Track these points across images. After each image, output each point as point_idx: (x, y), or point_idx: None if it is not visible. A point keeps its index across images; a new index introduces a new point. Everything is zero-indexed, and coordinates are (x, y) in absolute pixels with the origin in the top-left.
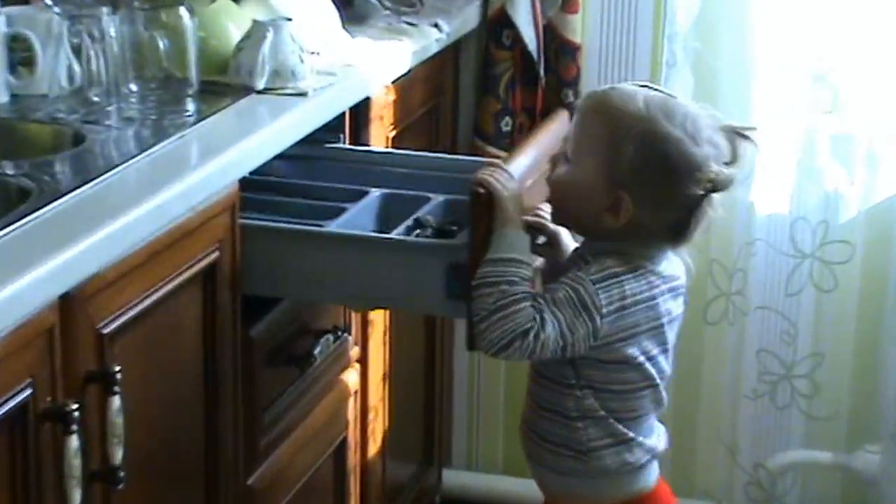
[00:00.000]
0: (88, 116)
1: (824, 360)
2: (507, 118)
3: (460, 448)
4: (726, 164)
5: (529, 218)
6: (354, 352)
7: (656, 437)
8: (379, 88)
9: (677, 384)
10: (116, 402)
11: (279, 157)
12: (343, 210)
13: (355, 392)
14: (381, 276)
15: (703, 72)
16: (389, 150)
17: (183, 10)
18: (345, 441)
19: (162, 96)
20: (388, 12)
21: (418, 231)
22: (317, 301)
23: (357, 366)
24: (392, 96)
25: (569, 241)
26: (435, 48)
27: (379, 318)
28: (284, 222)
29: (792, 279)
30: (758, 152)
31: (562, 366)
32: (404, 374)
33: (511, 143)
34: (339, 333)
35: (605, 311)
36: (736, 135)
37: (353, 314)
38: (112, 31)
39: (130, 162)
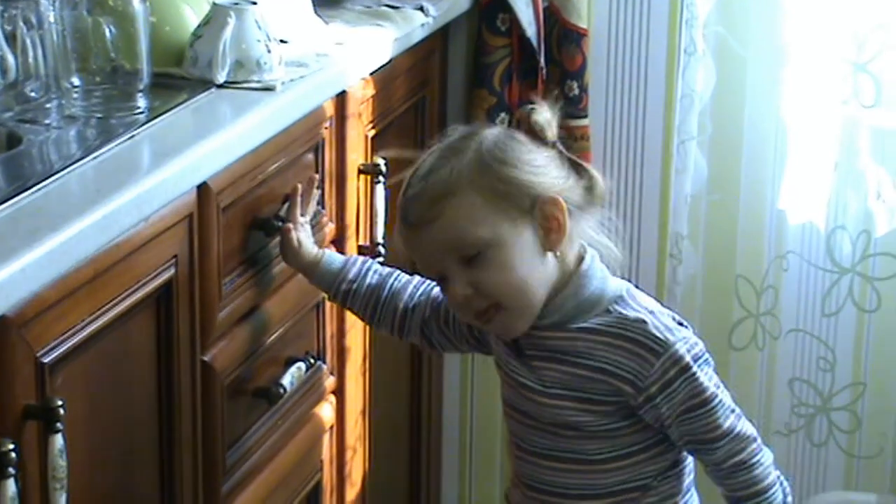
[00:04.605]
0: (25, 114)
1: (867, 390)
2: (503, 114)
3: (451, 492)
4: None
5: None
6: (330, 382)
7: None
8: (356, 81)
9: None
10: (59, 440)
11: None
12: None
13: (331, 428)
14: None
15: (728, 61)
16: None
17: None
18: (319, 484)
19: (109, 91)
20: None
21: None
22: None
23: (333, 398)
24: (371, 90)
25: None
26: (420, 34)
27: (357, 344)
28: None
29: (829, 297)
30: None
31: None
32: (387, 408)
33: None
34: (313, 361)
35: None
36: None
37: (328, 339)
38: (51, 17)
39: (73, 166)
